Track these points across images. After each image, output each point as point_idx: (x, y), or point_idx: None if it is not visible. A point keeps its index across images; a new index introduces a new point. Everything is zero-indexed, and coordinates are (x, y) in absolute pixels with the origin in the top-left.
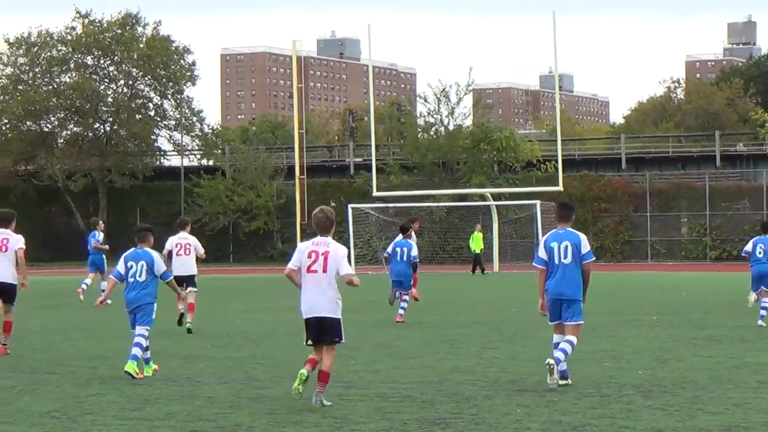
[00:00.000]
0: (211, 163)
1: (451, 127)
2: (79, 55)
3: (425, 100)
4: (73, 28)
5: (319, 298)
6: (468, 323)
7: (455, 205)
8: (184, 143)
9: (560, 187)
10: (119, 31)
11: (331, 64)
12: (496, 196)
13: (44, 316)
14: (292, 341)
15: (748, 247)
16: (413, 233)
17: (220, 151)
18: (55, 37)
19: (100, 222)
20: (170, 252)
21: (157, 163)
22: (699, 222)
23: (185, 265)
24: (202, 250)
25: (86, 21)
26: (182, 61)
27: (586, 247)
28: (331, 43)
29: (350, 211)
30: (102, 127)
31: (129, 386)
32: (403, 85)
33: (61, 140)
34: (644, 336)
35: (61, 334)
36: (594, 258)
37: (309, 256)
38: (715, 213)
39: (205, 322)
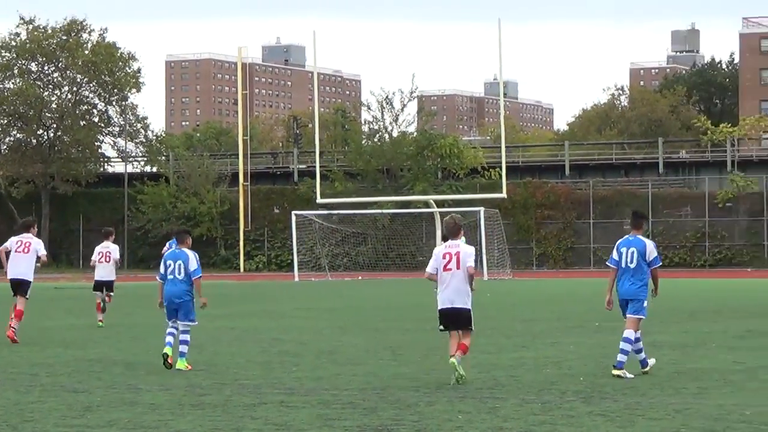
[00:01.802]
0: (155, 169)
1: (395, 134)
2: (23, 61)
3: (369, 108)
4: (18, 34)
5: (455, 293)
6: (412, 330)
7: (399, 212)
8: (128, 150)
9: (504, 194)
10: (64, 38)
11: (276, 71)
12: (440, 203)
13: None
14: (234, 348)
15: None
16: None
17: (164, 157)
18: None
19: None
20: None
21: (101, 169)
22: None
23: (105, 269)
24: (118, 256)
25: (30, 27)
26: (127, 68)
27: (651, 253)
28: (276, 50)
29: (294, 218)
30: (45, 133)
31: (70, 393)
32: (348, 92)
33: (4, 146)
34: (587, 342)
35: (1, 341)
36: (660, 263)
37: (444, 257)
38: (657, 220)
39: (146, 330)
